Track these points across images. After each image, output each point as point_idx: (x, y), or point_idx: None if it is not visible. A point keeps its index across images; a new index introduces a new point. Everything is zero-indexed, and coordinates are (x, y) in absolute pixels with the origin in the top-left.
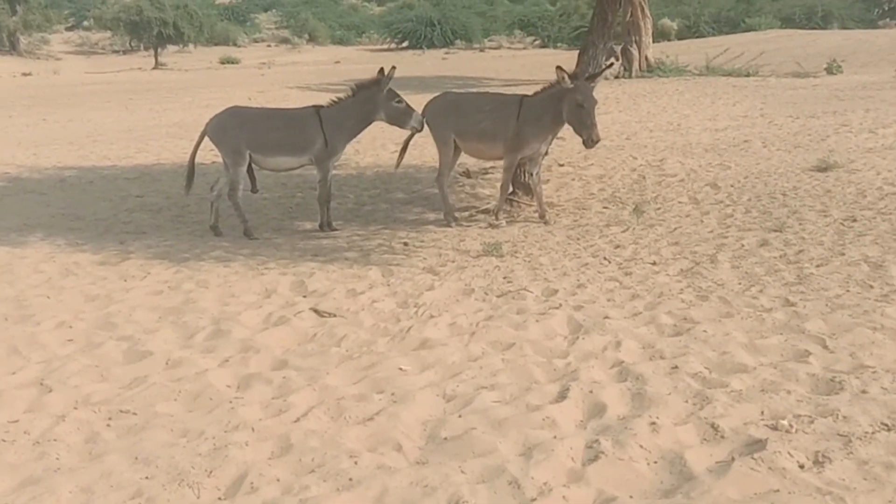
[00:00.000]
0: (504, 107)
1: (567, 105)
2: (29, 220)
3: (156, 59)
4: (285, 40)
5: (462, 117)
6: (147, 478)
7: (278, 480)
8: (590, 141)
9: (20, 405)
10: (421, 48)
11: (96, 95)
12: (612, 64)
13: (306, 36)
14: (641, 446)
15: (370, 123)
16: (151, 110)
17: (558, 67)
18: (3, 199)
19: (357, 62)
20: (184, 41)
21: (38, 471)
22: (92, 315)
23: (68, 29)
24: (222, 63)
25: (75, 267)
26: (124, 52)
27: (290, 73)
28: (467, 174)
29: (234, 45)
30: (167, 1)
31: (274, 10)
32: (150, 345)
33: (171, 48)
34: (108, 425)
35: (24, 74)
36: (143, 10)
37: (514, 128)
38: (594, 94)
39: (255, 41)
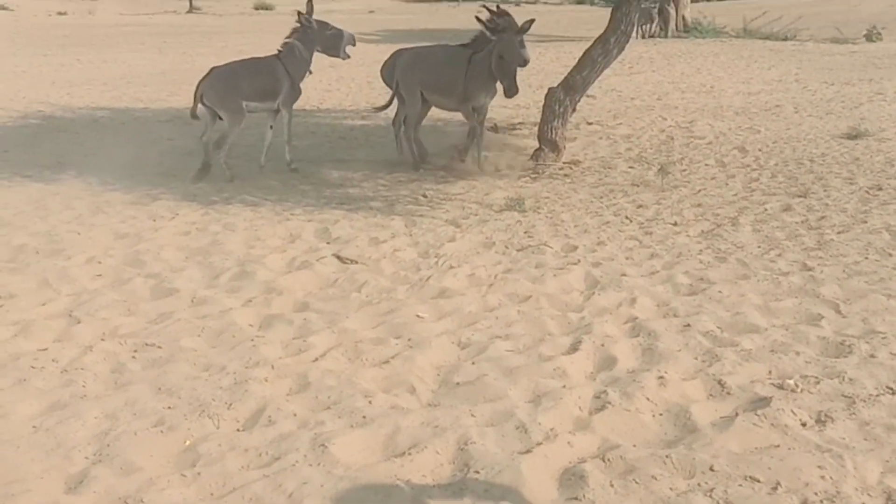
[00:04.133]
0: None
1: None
2: (62, 159)
3: (190, 2)
4: None
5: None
6: (169, 408)
7: (295, 415)
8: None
9: (49, 335)
10: (457, 1)
11: (130, 37)
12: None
13: None
14: (648, 399)
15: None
16: (185, 54)
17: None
18: (37, 136)
19: (392, 12)
20: None
21: (65, 397)
22: (121, 252)
23: None
24: (256, 9)
25: (106, 205)
26: None
27: None
28: (495, 129)
29: None
30: None
31: None
32: (177, 283)
33: None
34: (134, 357)
35: (60, 13)
36: None
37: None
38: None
39: None
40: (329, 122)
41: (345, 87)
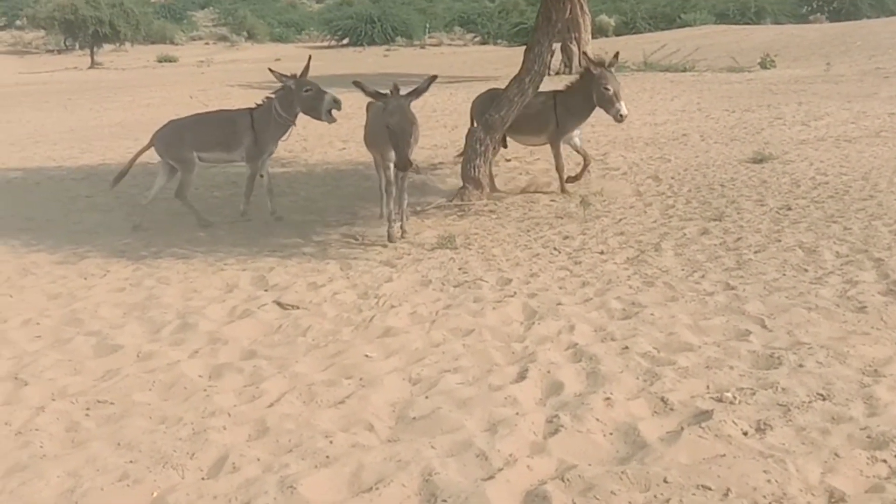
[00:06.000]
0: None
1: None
2: None
3: (92, 58)
4: (223, 38)
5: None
6: (131, 461)
7: (258, 460)
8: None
9: None
10: (361, 45)
11: (33, 96)
12: (434, 78)
13: (245, 33)
14: (598, 419)
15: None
16: (91, 110)
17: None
18: None
19: (298, 59)
20: (120, 40)
21: (23, 458)
22: (57, 312)
23: (0, 28)
24: (160, 61)
25: (33, 266)
26: (59, 52)
27: (231, 72)
28: (416, 170)
29: (172, 43)
30: None
31: (211, 8)
32: (119, 339)
33: (106, 47)
34: (87, 415)
35: None
36: (78, 9)
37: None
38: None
39: (193, 39)
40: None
41: None
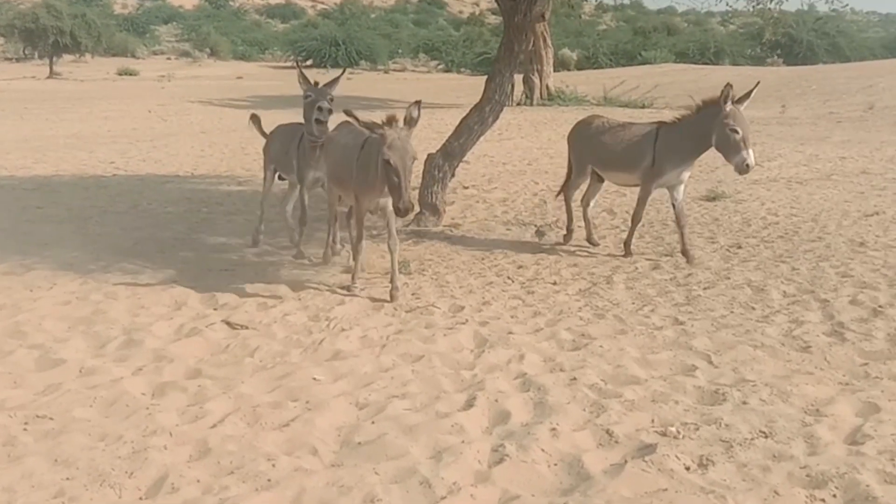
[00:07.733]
0: None
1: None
2: None
3: (51, 68)
4: (186, 53)
5: None
6: (68, 479)
7: (198, 481)
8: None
9: None
10: (325, 67)
11: None
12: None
13: (207, 50)
14: (543, 450)
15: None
16: (48, 120)
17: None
18: None
19: (259, 78)
20: (80, 51)
21: None
22: (0, 324)
23: None
24: (120, 74)
25: None
26: (17, 60)
27: (191, 87)
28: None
29: (133, 56)
30: (64, 9)
31: (175, 23)
32: (63, 353)
33: (66, 58)
34: (25, 429)
35: None
36: (38, 18)
37: None
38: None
39: (155, 53)
40: (205, 187)
41: (218, 152)
